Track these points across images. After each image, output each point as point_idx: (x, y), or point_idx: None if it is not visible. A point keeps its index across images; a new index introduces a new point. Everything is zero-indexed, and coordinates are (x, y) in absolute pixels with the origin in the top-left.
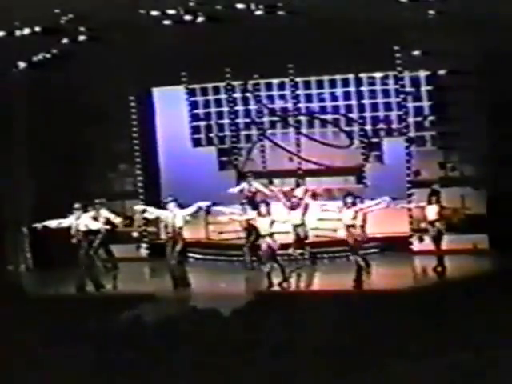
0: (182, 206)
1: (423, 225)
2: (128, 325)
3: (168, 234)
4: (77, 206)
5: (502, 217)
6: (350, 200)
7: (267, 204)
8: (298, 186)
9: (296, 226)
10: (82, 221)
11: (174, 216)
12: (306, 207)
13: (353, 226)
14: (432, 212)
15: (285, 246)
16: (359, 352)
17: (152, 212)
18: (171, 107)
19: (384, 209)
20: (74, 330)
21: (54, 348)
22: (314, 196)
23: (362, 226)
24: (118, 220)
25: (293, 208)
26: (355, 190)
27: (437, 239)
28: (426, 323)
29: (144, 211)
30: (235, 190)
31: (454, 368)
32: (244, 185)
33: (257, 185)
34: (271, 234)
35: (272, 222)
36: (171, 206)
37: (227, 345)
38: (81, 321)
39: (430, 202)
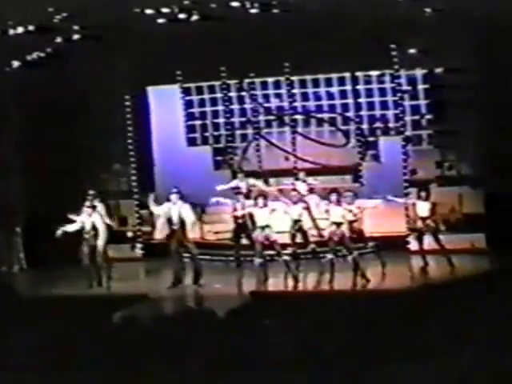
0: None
1: (420, 224)
2: (122, 325)
3: (173, 227)
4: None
5: (499, 216)
6: (334, 197)
7: (265, 197)
8: (303, 181)
9: (296, 222)
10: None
11: (178, 208)
12: (309, 203)
13: (341, 223)
14: (423, 209)
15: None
16: (357, 352)
17: (157, 211)
18: (166, 106)
19: (381, 208)
20: (68, 330)
21: (48, 348)
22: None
23: (353, 222)
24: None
25: (294, 203)
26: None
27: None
28: (423, 323)
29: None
30: (225, 187)
31: (453, 368)
32: (236, 182)
33: (253, 181)
34: (266, 226)
35: (271, 212)
36: (174, 197)
37: (223, 345)
38: (75, 321)
39: (419, 198)
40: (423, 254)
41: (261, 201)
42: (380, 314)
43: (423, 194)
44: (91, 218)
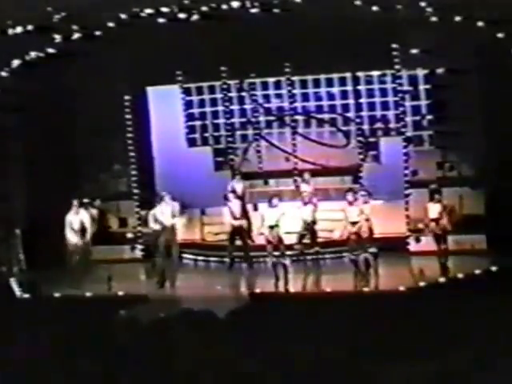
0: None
1: (420, 225)
2: (121, 326)
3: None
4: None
5: (500, 217)
6: (350, 197)
7: (279, 197)
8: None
9: (306, 224)
10: (81, 218)
11: (172, 209)
12: (316, 204)
13: (357, 222)
14: (434, 210)
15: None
16: (357, 354)
17: (154, 219)
18: (166, 106)
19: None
20: (66, 331)
21: (46, 350)
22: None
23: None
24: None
25: (305, 204)
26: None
27: (441, 238)
28: (424, 324)
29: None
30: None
31: (453, 369)
32: (233, 183)
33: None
34: (275, 226)
35: (281, 215)
36: (167, 199)
37: (222, 348)
38: (74, 322)
39: (431, 200)
40: (440, 255)
41: (275, 201)
42: (378, 315)
43: (436, 195)
44: (79, 217)
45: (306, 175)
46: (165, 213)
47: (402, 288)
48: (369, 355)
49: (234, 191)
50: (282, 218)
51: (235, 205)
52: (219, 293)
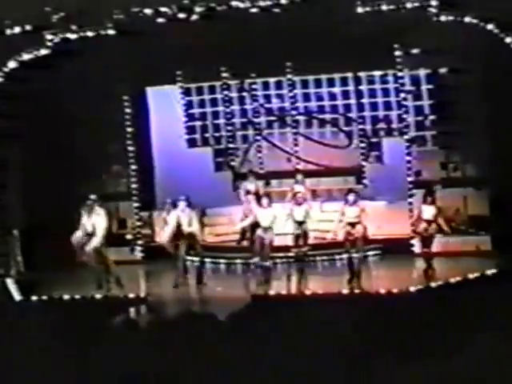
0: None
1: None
2: (121, 329)
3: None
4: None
5: (504, 217)
6: (352, 198)
7: (269, 196)
8: (298, 183)
9: (299, 224)
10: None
11: (188, 216)
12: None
13: (356, 223)
14: (428, 212)
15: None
16: (359, 355)
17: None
18: (166, 107)
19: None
20: (65, 333)
21: (45, 351)
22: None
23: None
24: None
25: (298, 204)
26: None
27: (428, 240)
28: (426, 326)
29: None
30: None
31: (456, 370)
32: (246, 184)
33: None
34: (268, 228)
35: (273, 216)
36: (182, 205)
37: (223, 349)
38: (73, 324)
39: (425, 202)
40: (426, 258)
41: (265, 201)
42: (380, 317)
43: (429, 198)
44: (91, 220)
45: (299, 176)
46: (183, 221)
47: (403, 289)
48: (369, 356)
49: (249, 192)
50: (274, 220)
51: (251, 208)
52: (220, 294)
